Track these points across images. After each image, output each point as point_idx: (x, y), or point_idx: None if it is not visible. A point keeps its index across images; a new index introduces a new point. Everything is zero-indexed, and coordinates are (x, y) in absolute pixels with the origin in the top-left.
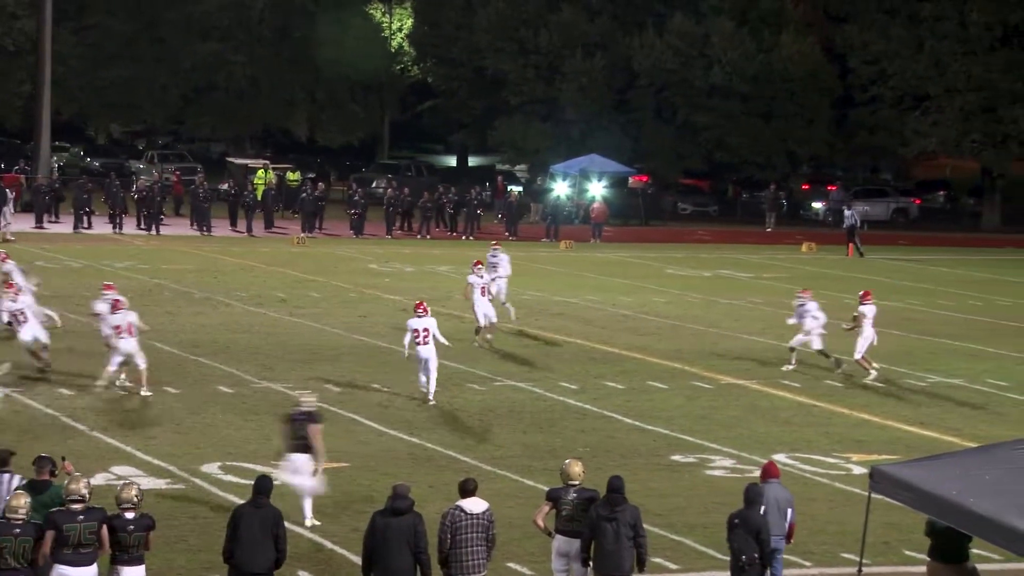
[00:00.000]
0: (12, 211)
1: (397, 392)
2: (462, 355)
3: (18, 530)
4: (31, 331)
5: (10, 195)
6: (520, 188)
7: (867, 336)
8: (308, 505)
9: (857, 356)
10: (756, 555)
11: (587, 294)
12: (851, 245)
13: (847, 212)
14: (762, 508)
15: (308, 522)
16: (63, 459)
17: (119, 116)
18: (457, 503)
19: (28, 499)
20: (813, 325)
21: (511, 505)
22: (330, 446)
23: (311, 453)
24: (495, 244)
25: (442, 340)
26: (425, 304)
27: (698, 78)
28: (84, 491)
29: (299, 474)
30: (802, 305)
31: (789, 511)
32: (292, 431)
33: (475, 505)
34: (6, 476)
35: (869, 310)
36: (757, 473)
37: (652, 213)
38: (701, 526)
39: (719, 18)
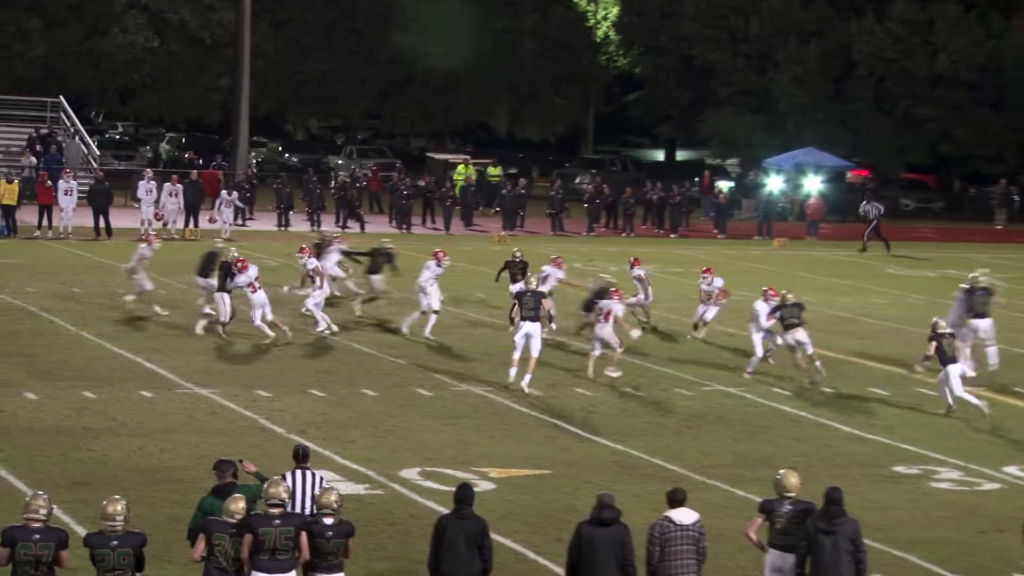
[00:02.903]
0: (227, 213)
1: (600, 396)
2: (669, 358)
3: (232, 530)
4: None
5: (227, 196)
6: (731, 183)
7: None
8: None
9: None
10: None
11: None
12: None
13: None
14: None
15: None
16: (240, 461)
17: (317, 111)
18: (665, 514)
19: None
20: None
21: (721, 516)
22: (530, 453)
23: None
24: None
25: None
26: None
27: (921, 67)
28: (284, 495)
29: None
30: None
31: None
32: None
33: (685, 516)
34: (299, 473)
35: None
36: (987, 486)
37: None
38: (926, 542)
39: (944, 3)
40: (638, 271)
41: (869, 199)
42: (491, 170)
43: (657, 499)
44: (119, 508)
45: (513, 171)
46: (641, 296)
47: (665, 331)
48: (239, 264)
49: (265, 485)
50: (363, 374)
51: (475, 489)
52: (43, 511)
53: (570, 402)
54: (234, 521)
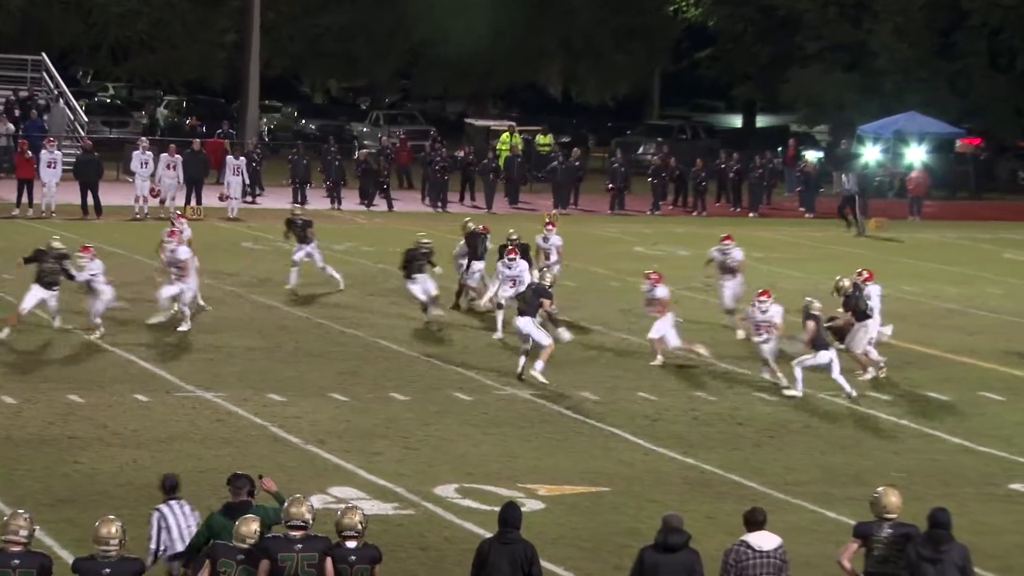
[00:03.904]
0: (234, 184)
1: (666, 401)
2: (747, 357)
3: (241, 556)
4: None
5: (235, 161)
6: (819, 154)
7: None
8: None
9: None
10: None
11: (902, 283)
12: None
13: None
14: None
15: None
16: (260, 477)
17: (337, 70)
18: (743, 538)
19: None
20: None
21: (808, 541)
22: (586, 467)
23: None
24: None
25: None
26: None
27: None
28: (308, 515)
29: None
30: None
31: None
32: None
33: (765, 540)
34: (175, 505)
35: None
36: None
37: (986, 184)
38: None
39: None
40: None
41: (847, 169)
42: (540, 138)
43: (733, 521)
44: (114, 530)
45: (566, 140)
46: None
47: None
48: (83, 254)
49: (285, 504)
50: (392, 375)
51: (522, 509)
52: (23, 532)
53: (632, 408)
54: (244, 546)
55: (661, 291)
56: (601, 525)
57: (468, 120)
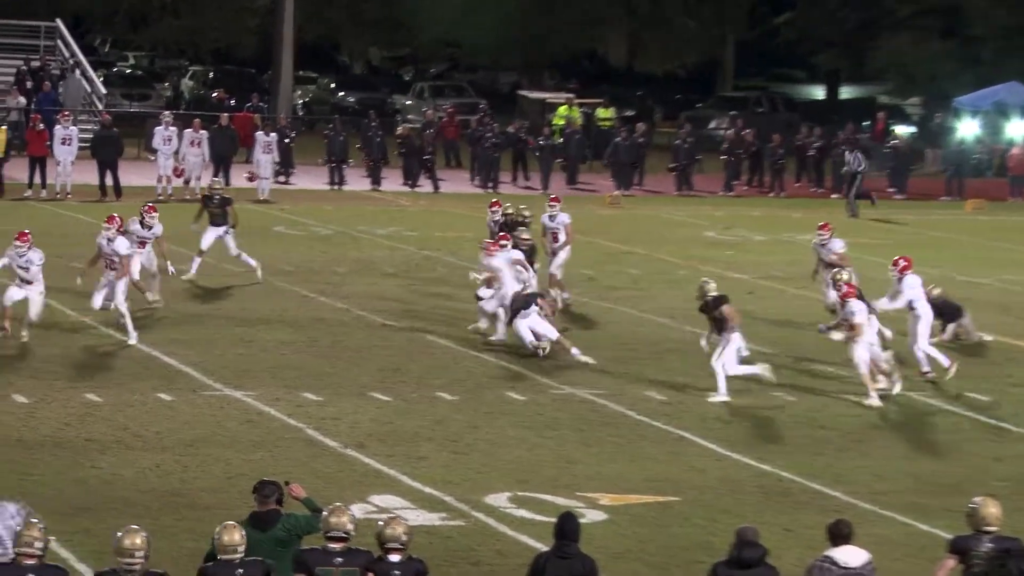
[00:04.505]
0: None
1: (741, 402)
2: (831, 354)
3: (240, 571)
4: None
5: (265, 137)
6: (911, 129)
7: None
8: None
9: None
10: None
11: (1004, 272)
12: None
13: None
14: None
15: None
16: (286, 483)
17: (379, 37)
18: (826, 553)
19: (241, 534)
20: None
21: (898, 557)
22: (652, 474)
23: None
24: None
25: None
26: None
27: None
28: (350, 526)
29: None
30: None
31: None
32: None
33: (851, 556)
34: None
35: None
36: None
37: None
38: None
39: None
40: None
41: (851, 148)
42: (601, 112)
43: (815, 534)
44: (138, 541)
45: (630, 113)
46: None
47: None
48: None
49: (325, 513)
50: (438, 373)
51: (581, 520)
52: (38, 544)
53: (702, 409)
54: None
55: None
56: (669, 538)
57: (521, 92)
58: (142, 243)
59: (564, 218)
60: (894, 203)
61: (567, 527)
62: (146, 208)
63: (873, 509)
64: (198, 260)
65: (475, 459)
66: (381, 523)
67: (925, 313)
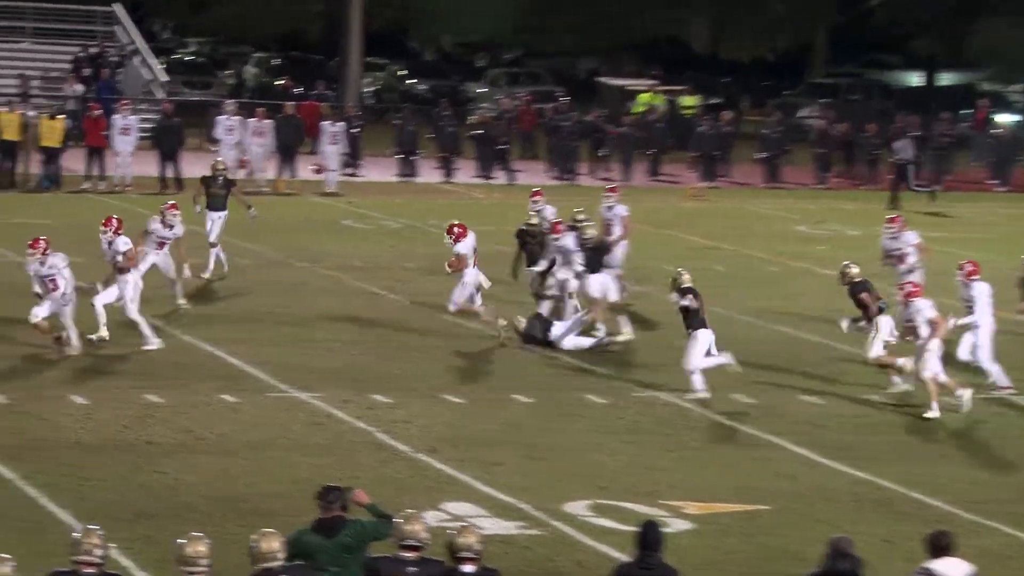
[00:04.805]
0: (331, 154)
1: (834, 405)
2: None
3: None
4: None
5: (331, 127)
6: (1015, 117)
7: None
8: None
9: None
10: None
11: None
12: None
13: None
14: None
15: None
16: (348, 489)
17: (451, 22)
18: (925, 565)
19: (281, 541)
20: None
21: (1003, 570)
22: (739, 481)
23: None
24: None
25: None
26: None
27: None
28: (424, 535)
29: None
30: None
31: None
32: None
33: (953, 568)
34: None
35: None
36: None
37: None
38: None
39: None
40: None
41: (902, 136)
42: (685, 100)
43: (914, 545)
44: (202, 549)
45: (715, 101)
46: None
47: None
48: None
49: (398, 520)
50: (514, 374)
51: (665, 530)
52: (97, 552)
53: (794, 413)
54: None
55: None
56: (758, 549)
57: (600, 79)
58: (161, 243)
59: (621, 210)
60: (995, 196)
61: (650, 537)
62: (168, 206)
63: (976, 519)
64: (213, 253)
65: (553, 465)
66: (454, 532)
67: (988, 322)
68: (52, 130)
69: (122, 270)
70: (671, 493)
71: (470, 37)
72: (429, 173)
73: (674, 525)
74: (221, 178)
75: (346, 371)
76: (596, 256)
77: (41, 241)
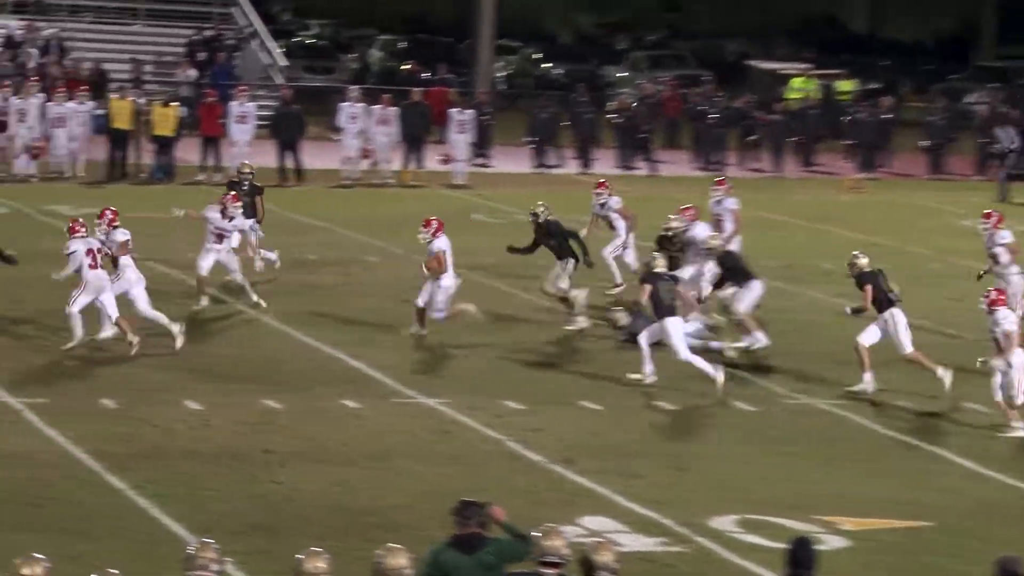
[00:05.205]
0: (460, 143)
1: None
2: None
3: None
4: None
5: (458, 115)
6: None
7: None
8: None
9: None
10: None
11: None
12: None
13: None
14: None
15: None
16: (487, 505)
17: (588, 2)
18: None
19: (408, 557)
20: None
21: None
22: (899, 495)
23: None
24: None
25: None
26: None
27: None
28: (565, 550)
29: None
30: None
31: None
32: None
33: None
34: None
35: None
36: None
37: None
38: None
39: None
40: None
41: (1003, 124)
42: (841, 85)
43: None
44: (322, 565)
45: (874, 86)
46: None
47: None
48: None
49: (537, 535)
50: (656, 379)
51: (819, 547)
52: (214, 567)
53: (960, 422)
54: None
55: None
56: (921, 569)
57: (750, 62)
58: (220, 236)
59: (731, 203)
60: None
61: (802, 555)
62: (229, 196)
63: None
64: (260, 254)
65: (697, 477)
66: (589, 548)
67: None
68: (165, 118)
69: (115, 260)
70: (826, 508)
71: (609, 17)
72: (565, 163)
73: (829, 542)
74: (247, 184)
75: (475, 376)
76: (729, 266)
77: (108, 212)
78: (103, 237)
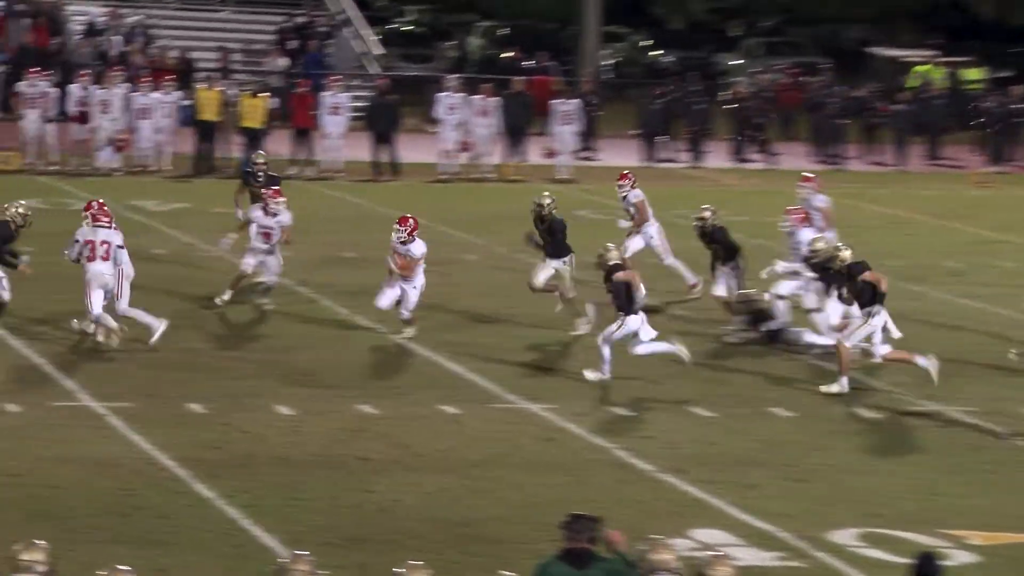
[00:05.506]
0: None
1: None
2: None
3: None
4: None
5: (562, 107)
6: None
7: None
8: None
9: None
10: None
11: None
12: None
13: None
14: None
15: None
16: (600, 520)
17: None
18: None
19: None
20: None
21: None
22: (991, 507)
23: None
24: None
25: None
26: None
27: None
28: (675, 564)
29: None
30: None
31: None
32: None
33: None
34: None
35: None
36: None
37: None
38: None
39: None
40: None
41: None
42: (969, 73)
43: None
44: None
45: (1004, 74)
46: None
47: None
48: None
49: (646, 550)
50: (772, 385)
51: (945, 563)
52: None
53: None
54: None
55: None
56: None
57: (872, 49)
58: (266, 234)
59: (820, 200)
60: None
61: (927, 570)
62: (271, 192)
63: None
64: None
65: (817, 488)
66: (702, 562)
67: None
68: (254, 109)
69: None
70: (954, 521)
71: (722, 2)
72: (675, 156)
73: (956, 557)
74: (262, 174)
75: (580, 380)
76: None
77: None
78: (99, 230)
